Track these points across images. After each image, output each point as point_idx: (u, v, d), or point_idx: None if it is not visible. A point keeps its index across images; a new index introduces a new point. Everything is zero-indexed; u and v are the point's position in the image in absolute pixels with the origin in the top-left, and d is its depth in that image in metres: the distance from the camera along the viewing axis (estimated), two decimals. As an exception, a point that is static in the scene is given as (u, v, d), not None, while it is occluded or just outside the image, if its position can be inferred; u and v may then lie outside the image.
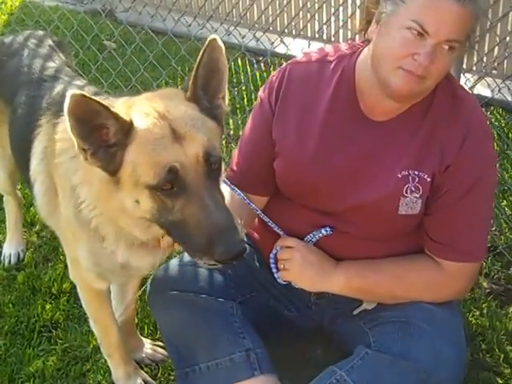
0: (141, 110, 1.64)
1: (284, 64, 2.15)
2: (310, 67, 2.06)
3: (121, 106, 1.72)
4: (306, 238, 2.07)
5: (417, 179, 1.90)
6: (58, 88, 2.22)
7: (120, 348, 2.29)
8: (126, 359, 2.32)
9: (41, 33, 2.73)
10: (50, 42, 2.63)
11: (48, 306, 2.69)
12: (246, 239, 2.28)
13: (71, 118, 1.53)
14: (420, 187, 1.91)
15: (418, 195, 1.91)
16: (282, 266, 2.08)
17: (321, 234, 2.04)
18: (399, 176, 1.91)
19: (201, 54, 1.64)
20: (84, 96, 1.52)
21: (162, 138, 1.58)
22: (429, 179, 1.90)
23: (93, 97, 1.55)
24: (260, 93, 2.16)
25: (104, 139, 1.60)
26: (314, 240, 2.06)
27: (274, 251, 2.11)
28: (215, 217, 1.56)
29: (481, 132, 1.92)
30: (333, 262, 2.05)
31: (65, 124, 1.57)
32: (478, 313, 2.58)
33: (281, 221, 2.11)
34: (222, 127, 1.74)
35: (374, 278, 2.01)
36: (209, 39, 1.64)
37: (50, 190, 2.01)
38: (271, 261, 2.12)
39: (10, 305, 2.70)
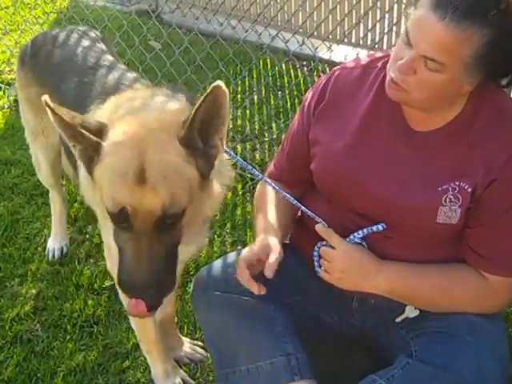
0: (121, 131, 1.65)
1: (331, 70, 2.16)
2: (354, 72, 2.06)
3: (108, 114, 1.77)
4: (351, 237, 2.01)
5: (457, 189, 1.87)
6: (110, 77, 2.27)
7: (158, 345, 2.32)
8: (165, 357, 2.35)
9: (85, 28, 2.78)
10: (95, 36, 2.69)
11: (90, 302, 2.74)
12: (284, 243, 2.32)
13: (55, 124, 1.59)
14: (460, 197, 1.88)
15: (457, 205, 1.89)
16: (323, 266, 2.05)
17: (366, 232, 1.99)
18: (439, 189, 1.88)
19: (202, 99, 1.58)
20: (54, 113, 1.56)
21: (124, 174, 1.57)
22: (469, 190, 1.87)
23: (62, 113, 1.56)
24: (305, 96, 2.18)
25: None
26: (357, 239, 2.01)
27: (318, 245, 2.08)
28: (131, 266, 1.60)
29: None
30: (376, 264, 1.99)
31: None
32: (520, 329, 2.55)
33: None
34: (211, 166, 1.73)
35: (417, 287, 1.98)
36: (212, 86, 1.57)
37: None
38: (315, 253, 2.09)
39: (54, 298, 2.76)
